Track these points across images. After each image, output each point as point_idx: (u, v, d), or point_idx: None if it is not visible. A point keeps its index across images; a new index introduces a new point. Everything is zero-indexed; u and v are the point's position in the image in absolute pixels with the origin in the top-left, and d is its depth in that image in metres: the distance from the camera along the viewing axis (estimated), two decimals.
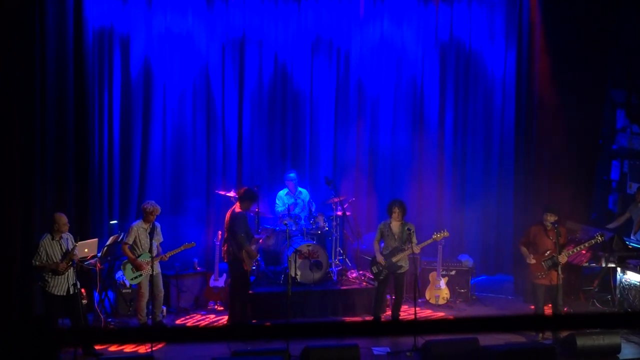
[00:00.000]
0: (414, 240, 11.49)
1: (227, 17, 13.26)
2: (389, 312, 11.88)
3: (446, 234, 11.70)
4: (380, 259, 11.57)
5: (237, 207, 11.43)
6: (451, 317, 11.91)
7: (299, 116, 13.80)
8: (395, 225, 11.60)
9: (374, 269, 11.70)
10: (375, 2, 13.78)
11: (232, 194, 12.41)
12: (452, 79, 14.16)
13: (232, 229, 11.23)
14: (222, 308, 12.32)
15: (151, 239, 10.95)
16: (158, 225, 11.37)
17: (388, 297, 11.97)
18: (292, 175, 13.12)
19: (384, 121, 14.05)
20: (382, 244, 11.73)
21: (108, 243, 11.60)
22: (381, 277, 11.63)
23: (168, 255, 11.36)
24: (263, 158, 13.67)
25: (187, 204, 13.27)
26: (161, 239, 11.44)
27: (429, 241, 11.60)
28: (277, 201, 13.11)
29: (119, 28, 12.74)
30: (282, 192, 13.17)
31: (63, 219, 10.30)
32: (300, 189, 13.19)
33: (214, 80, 13.35)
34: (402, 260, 11.57)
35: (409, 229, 11.48)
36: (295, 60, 13.65)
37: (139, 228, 11.23)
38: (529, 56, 13.83)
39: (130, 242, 11.20)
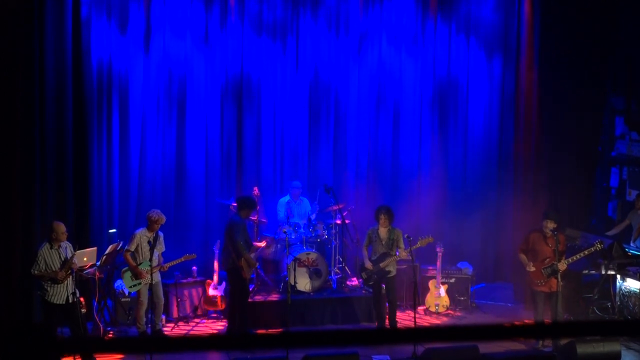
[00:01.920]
0: (401, 245, 11.58)
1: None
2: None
3: (430, 239, 11.77)
4: (368, 265, 11.66)
5: (236, 215, 11.42)
6: (450, 325, 11.91)
7: (299, 124, 13.82)
8: (382, 231, 11.68)
9: (363, 275, 11.83)
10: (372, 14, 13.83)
11: (232, 202, 12.41)
12: (453, 90, 14.19)
13: (231, 237, 11.22)
14: (221, 316, 12.30)
15: (153, 248, 10.95)
16: (161, 234, 11.36)
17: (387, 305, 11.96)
18: (297, 183, 13.15)
19: (384, 130, 14.07)
20: (370, 250, 11.82)
21: (107, 252, 11.58)
22: (371, 283, 11.74)
23: (168, 266, 11.37)
24: (263, 166, 13.68)
25: (186, 212, 13.26)
26: (163, 249, 11.43)
27: (415, 247, 11.59)
28: (278, 208, 13.11)
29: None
30: (284, 200, 13.17)
31: (61, 227, 10.29)
32: (300, 197, 13.21)
33: (213, 91, 13.36)
34: (390, 265, 11.65)
35: (398, 233, 11.61)
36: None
37: (142, 236, 11.22)
38: (527, 65, 13.84)
39: (132, 250, 11.19)
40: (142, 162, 13.06)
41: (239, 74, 13.39)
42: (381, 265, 11.61)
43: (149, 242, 11.03)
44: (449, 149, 14.28)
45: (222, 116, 13.43)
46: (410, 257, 11.40)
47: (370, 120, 14.03)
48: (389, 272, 11.70)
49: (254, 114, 13.55)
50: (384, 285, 11.75)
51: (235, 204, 11.82)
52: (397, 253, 11.62)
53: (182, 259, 11.44)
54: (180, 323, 12.12)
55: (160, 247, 11.35)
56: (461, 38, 14.15)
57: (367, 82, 13.92)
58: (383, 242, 11.66)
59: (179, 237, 12.85)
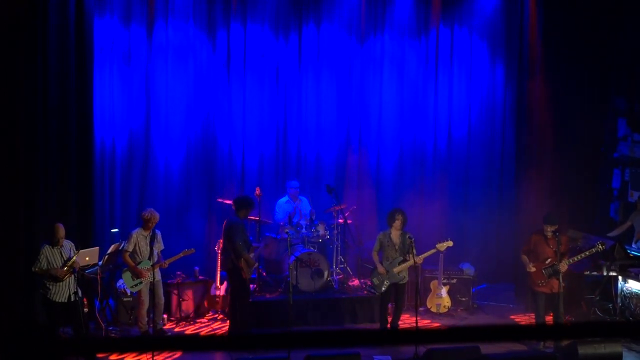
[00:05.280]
0: (413, 250, 11.26)
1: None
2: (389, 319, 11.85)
3: (450, 243, 11.54)
4: (381, 270, 11.40)
5: (234, 216, 11.39)
6: (452, 326, 11.91)
7: (303, 122, 13.84)
8: (395, 235, 11.47)
9: (375, 280, 11.53)
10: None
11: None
12: (456, 92, 14.19)
13: (229, 237, 11.20)
14: (223, 316, 12.31)
15: (151, 247, 10.96)
16: (158, 232, 11.36)
17: (390, 305, 11.93)
18: (295, 183, 13.13)
19: (386, 131, 14.08)
20: (381, 255, 11.61)
21: (109, 251, 11.60)
22: (383, 289, 11.45)
23: (167, 262, 11.35)
24: (266, 165, 13.70)
25: (189, 212, 13.28)
26: (162, 247, 11.43)
27: (432, 251, 11.50)
28: (276, 209, 13.11)
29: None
30: (282, 200, 13.17)
31: (61, 231, 10.30)
32: (300, 197, 13.20)
33: (215, 90, 13.38)
34: (403, 271, 11.47)
35: (410, 238, 11.35)
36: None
37: (139, 235, 11.24)
38: (530, 67, 13.84)
39: (130, 250, 11.20)
40: (145, 163, 13.07)
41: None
42: (394, 270, 11.40)
43: (149, 241, 11.04)
44: (452, 150, 14.29)
45: (229, 114, 13.48)
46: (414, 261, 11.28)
47: (373, 121, 14.05)
48: (403, 277, 11.46)
49: (258, 107, 13.62)
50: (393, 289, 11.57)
51: (233, 204, 11.80)
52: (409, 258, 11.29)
53: (181, 254, 11.43)
54: (182, 323, 12.13)
55: (159, 246, 11.35)
56: (464, 40, 14.15)
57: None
58: (396, 247, 11.43)
59: (182, 237, 12.84)
